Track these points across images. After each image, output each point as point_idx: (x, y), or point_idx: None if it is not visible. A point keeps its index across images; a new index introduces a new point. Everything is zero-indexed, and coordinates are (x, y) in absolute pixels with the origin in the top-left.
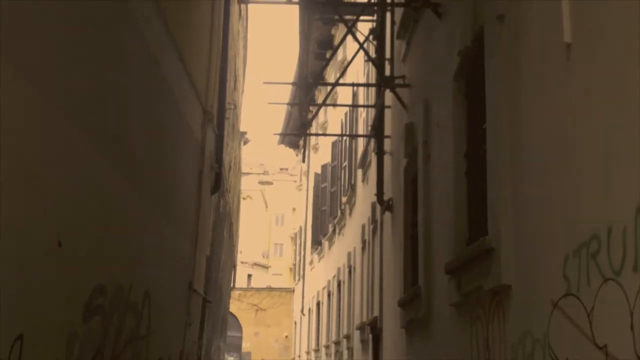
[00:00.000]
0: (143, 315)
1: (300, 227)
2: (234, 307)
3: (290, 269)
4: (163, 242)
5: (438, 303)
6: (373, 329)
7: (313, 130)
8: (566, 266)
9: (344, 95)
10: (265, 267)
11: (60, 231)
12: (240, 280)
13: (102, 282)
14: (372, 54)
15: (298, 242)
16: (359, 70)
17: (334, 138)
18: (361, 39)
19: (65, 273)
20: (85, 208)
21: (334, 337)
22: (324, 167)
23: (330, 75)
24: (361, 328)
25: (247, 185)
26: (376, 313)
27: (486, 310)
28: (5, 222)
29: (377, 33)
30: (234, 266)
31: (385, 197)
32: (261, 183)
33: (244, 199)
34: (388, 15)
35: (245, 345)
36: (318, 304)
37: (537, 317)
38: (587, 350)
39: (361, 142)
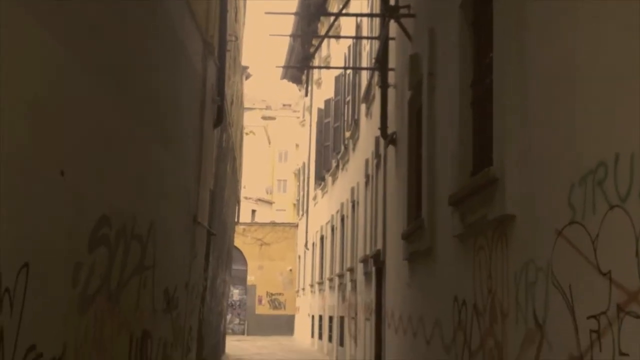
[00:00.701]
0: (148, 246)
1: (304, 163)
2: (238, 241)
3: (294, 204)
4: (166, 176)
5: (441, 235)
6: (376, 262)
7: (316, 64)
8: (571, 194)
9: (347, 27)
10: (269, 202)
11: (62, 161)
12: (244, 216)
13: (106, 212)
14: None
15: (301, 178)
16: (363, 1)
17: (337, 72)
18: None
19: (68, 203)
20: (87, 139)
21: (337, 270)
22: (327, 102)
23: (334, 6)
24: (364, 261)
25: (250, 120)
26: (379, 246)
27: (489, 240)
28: (7, 151)
29: None
30: (238, 201)
31: (389, 131)
32: (264, 118)
33: (246, 134)
34: None
35: (250, 279)
36: (322, 238)
37: (540, 246)
38: (590, 277)
39: (365, 75)
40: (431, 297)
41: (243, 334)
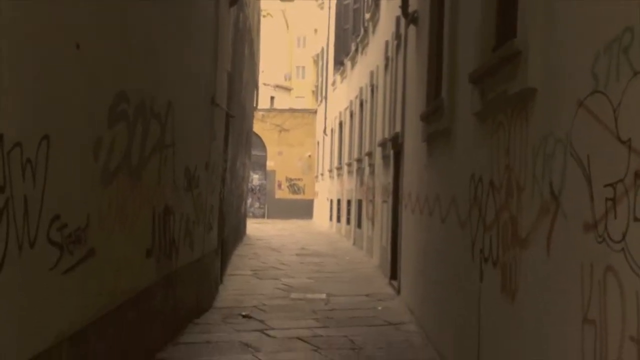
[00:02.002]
0: (167, 124)
1: (322, 48)
2: (257, 127)
3: (313, 91)
4: (182, 55)
5: (460, 114)
6: (395, 145)
7: None
8: (595, 63)
9: None
10: (288, 89)
11: (78, 35)
12: (262, 102)
13: (124, 88)
14: None
15: (320, 63)
16: None
17: None
18: None
19: (86, 77)
20: (102, 14)
21: (356, 155)
22: None
23: None
24: (383, 144)
25: (267, 3)
26: (398, 129)
27: (509, 116)
28: (22, 25)
29: None
30: (257, 86)
31: (410, 9)
32: (282, 0)
33: (264, 16)
34: None
35: (270, 164)
36: (340, 124)
37: (561, 118)
38: (609, 146)
39: None
40: (448, 177)
41: (263, 217)
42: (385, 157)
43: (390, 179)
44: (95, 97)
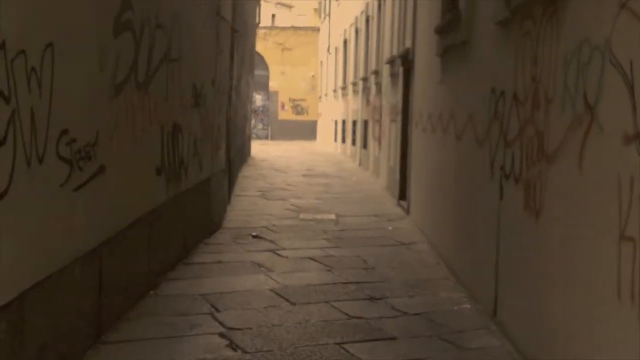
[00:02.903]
0: (173, 37)
1: None
2: (260, 46)
3: (315, 9)
4: None
5: (480, 25)
6: (404, 61)
7: None
8: None
9: None
10: (289, 6)
11: None
12: (263, 20)
13: None
14: None
15: None
16: None
17: None
18: None
19: None
20: None
21: (361, 74)
22: None
23: None
24: (391, 62)
25: None
26: (408, 45)
27: (537, 23)
28: None
29: None
30: (258, 2)
31: None
32: None
33: None
34: None
35: (272, 84)
36: (345, 42)
37: (598, 22)
38: None
39: None
40: (465, 93)
41: (267, 138)
42: (393, 75)
43: (399, 98)
44: (99, 4)
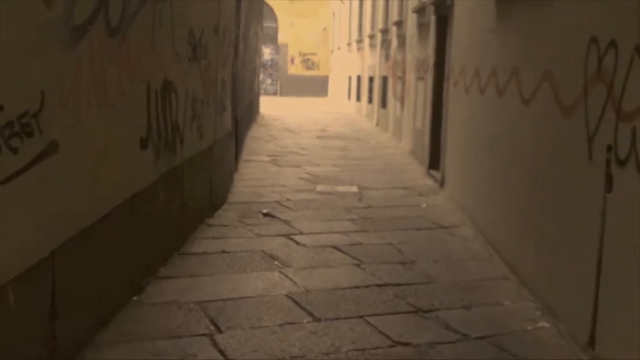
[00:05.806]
0: None
1: None
2: None
3: None
4: None
5: None
6: (439, 9)
7: None
8: None
9: None
10: None
11: None
12: None
13: None
14: None
15: None
16: None
17: None
18: None
19: None
20: None
21: (380, 26)
22: None
23: None
24: (420, 10)
25: None
26: None
27: None
28: None
29: None
30: None
31: None
32: None
33: None
34: None
35: (281, 37)
36: None
37: None
38: None
39: None
40: (537, 43)
41: (275, 94)
42: (422, 26)
43: (430, 51)
44: None
